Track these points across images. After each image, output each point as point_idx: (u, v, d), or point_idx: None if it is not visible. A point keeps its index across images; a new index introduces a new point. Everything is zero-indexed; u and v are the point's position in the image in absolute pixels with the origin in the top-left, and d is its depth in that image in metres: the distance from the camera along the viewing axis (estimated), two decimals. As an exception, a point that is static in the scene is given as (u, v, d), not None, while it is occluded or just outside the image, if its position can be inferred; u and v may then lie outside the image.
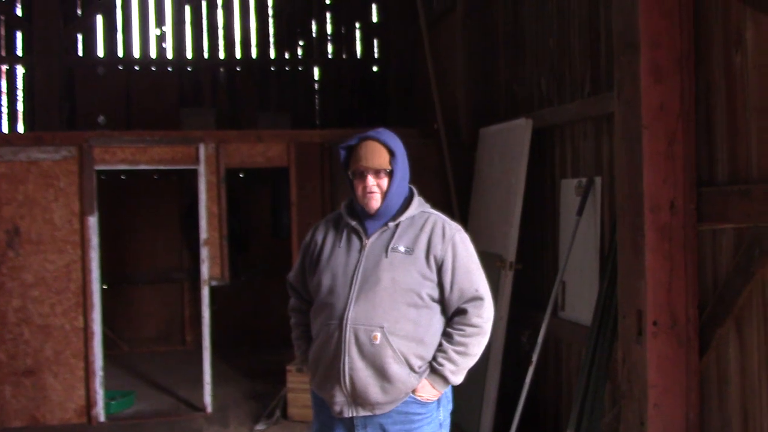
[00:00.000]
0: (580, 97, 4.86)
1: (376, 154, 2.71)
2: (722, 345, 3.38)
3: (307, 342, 2.90)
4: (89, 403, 5.99)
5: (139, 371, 7.72)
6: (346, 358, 2.61)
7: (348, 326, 2.61)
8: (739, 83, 3.23)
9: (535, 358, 4.86)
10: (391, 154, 2.73)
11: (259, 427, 5.83)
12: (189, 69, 9.52)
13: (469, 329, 2.69)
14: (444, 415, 2.80)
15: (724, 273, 3.34)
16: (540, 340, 4.87)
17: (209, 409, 6.23)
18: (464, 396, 5.27)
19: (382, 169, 2.70)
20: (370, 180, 2.70)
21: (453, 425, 2.91)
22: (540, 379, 5.31)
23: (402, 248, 2.68)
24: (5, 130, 8.90)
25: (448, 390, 2.80)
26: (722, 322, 3.34)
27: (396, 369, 2.61)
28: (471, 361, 2.73)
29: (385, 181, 2.71)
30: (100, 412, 6.00)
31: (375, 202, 2.71)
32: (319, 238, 2.85)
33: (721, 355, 3.39)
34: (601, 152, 4.63)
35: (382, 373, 2.60)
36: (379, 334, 2.60)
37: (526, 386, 4.86)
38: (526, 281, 5.57)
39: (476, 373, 5.17)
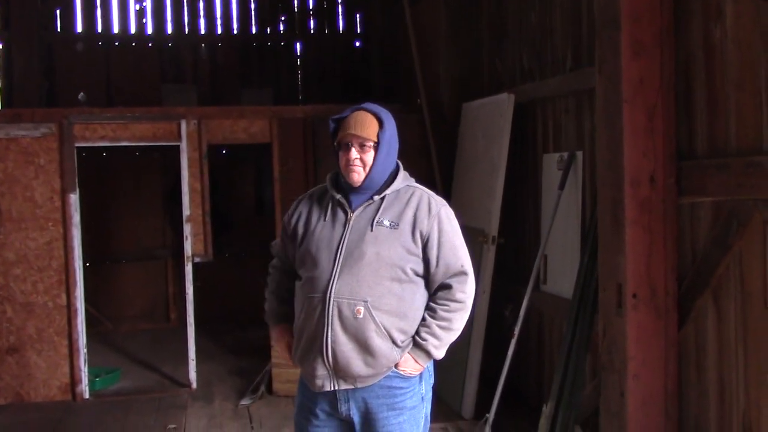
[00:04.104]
0: (561, 72, 4.88)
1: (365, 124, 2.68)
2: (700, 317, 3.43)
3: (279, 298, 2.93)
4: (73, 381, 5.99)
5: (123, 348, 7.73)
6: (329, 331, 2.61)
7: (331, 300, 2.61)
8: (718, 57, 3.25)
9: (517, 331, 4.91)
10: (381, 125, 2.70)
11: (244, 402, 5.87)
12: (169, 45, 9.42)
13: (453, 304, 2.70)
14: (426, 388, 2.82)
15: (702, 246, 3.38)
16: (522, 313, 4.92)
17: (194, 385, 6.25)
18: (447, 370, 5.32)
19: (369, 139, 2.67)
20: (354, 152, 2.68)
21: (436, 399, 2.93)
22: (522, 352, 5.37)
23: (387, 222, 2.67)
24: (-17, 107, 8.79)
25: (430, 364, 2.82)
26: (700, 294, 3.39)
27: (379, 343, 2.62)
28: (453, 336, 2.74)
29: (370, 155, 2.68)
30: (84, 389, 6.01)
31: (358, 175, 2.69)
32: (303, 211, 2.84)
33: (699, 326, 3.44)
34: (582, 127, 4.65)
35: (365, 347, 2.61)
36: (362, 308, 2.60)
37: (508, 359, 4.92)
38: (508, 255, 5.62)
39: (459, 347, 5.22)
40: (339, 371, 2.65)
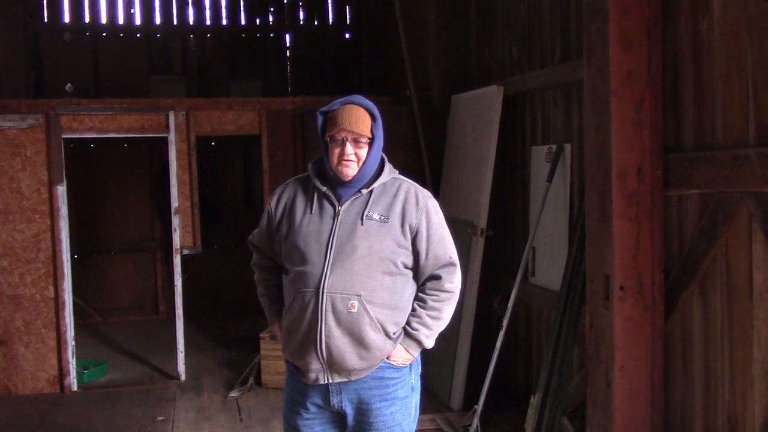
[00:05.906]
0: (550, 65, 4.88)
1: (360, 120, 2.66)
2: (687, 308, 3.45)
3: (272, 297, 2.92)
4: (61, 373, 5.98)
5: (112, 341, 7.71)
6: (323, 326, 2.60)
7: (325, 294, 2.60)
8: (705, 50, 3.26)
9: (505, 323, 4.93)
10: (373, 120, 2.69)
11: (233, 394, 5.87)
12: (158, 36, 9.37)
13: (442, 294, 2.73)
14: (415, 378, 2.84)
15: (689, 238, 3.40)
16: (510, 305, 4.93)
17: (183, 377, 6.25)
18: (436, 361, 5.34)
19: (364, 135, 2.66)
20: (349, 148, 2.65)
21: (425, 390, 2.95)
22: (510, 344, 5.39)
23: (376, 216, 2.67)
24: (-30, 97, 8.71)
25: (418, 354, 2.83)
26: (687, 286, 3.41)
27: (373, 336, 2.63)
28: (443, 325, 2.78)
29: (364, 150, 2.67)
30: (72, 381, 6.00)
31: (351, 170, 2.67)
32: (287, 203, 2.80)
33: (686, 318, 3.46)
34: (570, 119, 4.66)
35: (359, 341, 2.62)
36: (356, 303, 2.60)
37: (496, 351, 4.93)
38: (497, 247, 5.63)
39: (448, 339, 5.24)
40: (333, 365, 2.65)
